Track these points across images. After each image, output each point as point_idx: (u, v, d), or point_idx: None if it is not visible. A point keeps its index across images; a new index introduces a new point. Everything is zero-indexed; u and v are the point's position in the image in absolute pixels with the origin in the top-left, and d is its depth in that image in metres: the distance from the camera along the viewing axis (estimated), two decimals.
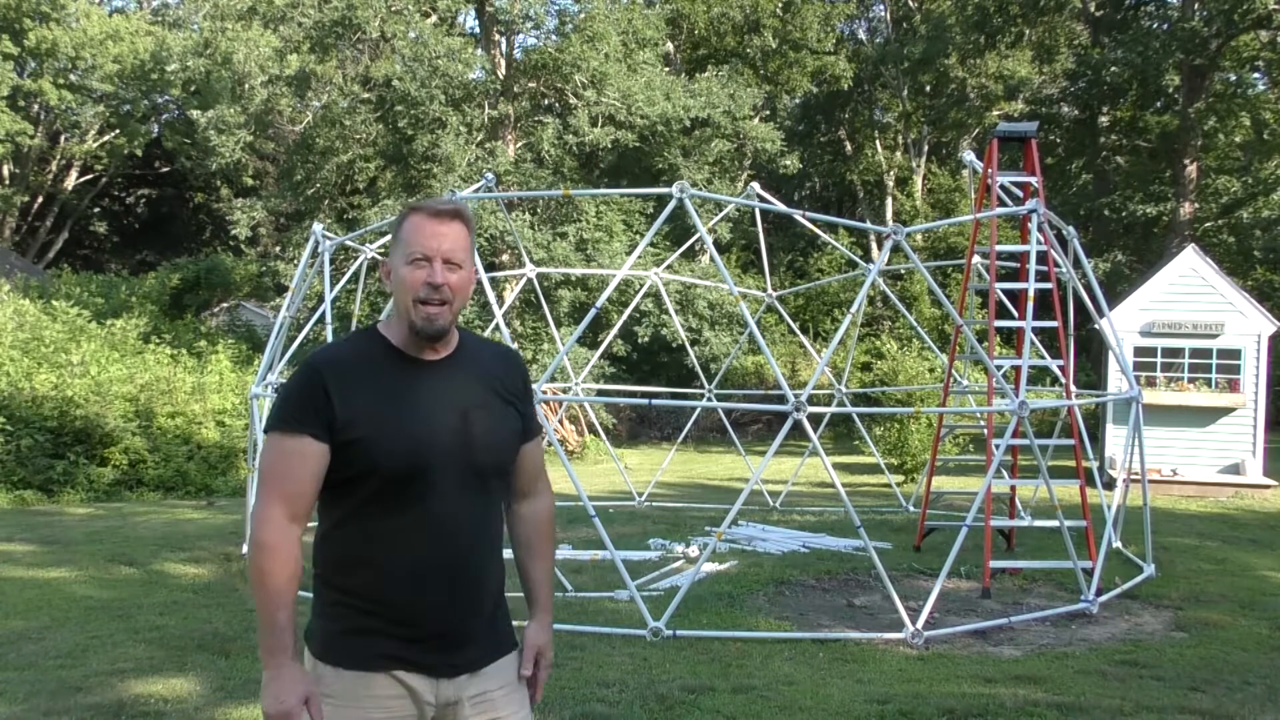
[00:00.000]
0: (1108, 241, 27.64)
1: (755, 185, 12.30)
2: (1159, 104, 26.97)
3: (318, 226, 9.50)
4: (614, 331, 13.73)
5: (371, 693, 2.17)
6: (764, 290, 13.94)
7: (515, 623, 2.40)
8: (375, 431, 2.14)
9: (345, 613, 2.19)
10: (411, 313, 2.20)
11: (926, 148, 33.83)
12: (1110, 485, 12.94)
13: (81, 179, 37.41)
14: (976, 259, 9.97)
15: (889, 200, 32.72)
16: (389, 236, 15.69)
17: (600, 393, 19.20)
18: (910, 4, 33.95)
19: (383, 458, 2.13)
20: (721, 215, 18.93)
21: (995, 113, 30.25)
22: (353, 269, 10.74)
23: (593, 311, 7.48)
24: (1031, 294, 8.45)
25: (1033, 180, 9.19)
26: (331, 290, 9.23)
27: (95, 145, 35.25)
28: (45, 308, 19.12)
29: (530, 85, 24.16)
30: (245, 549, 8.76)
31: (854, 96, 32.54)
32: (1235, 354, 15.26)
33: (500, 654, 2.32)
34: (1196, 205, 26.34)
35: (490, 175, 9.99)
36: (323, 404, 2.14)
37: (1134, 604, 7.59)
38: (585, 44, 22.41)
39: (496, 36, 25.40)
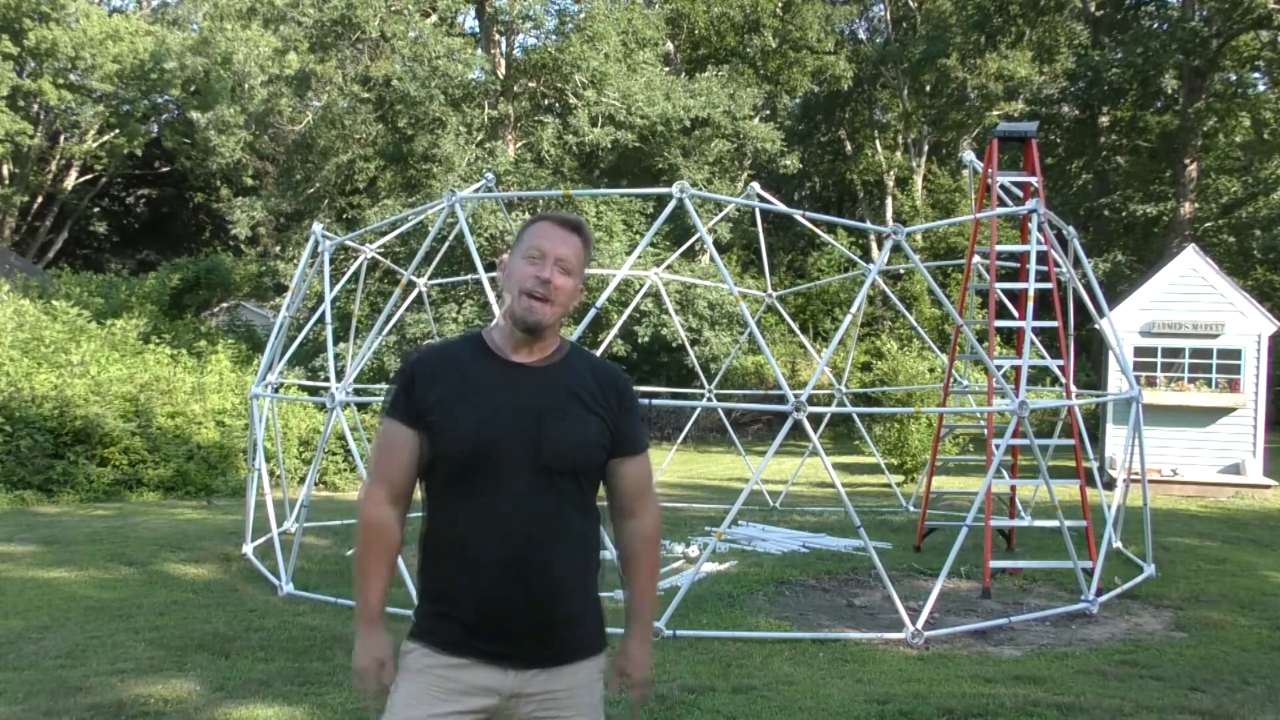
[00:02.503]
0: (1108, 241, 27.62)
1: (755, 185, 12.28)
2: (1159, 104, 26.95)
3: (318, 226, 9.49)
4: (614, 331, 13.71)
5: (446, 673, 2.30)
6: (764, 290, 13.93)
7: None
8: (446, 417, 2.31)
9: (430, 596, 2.37)
10: (517, 302, 2.35)
11: (926, 148, 33.82)
12: (1110, 485, 12.94)
13: (81, 179, 37.41)
14: (976, 259, 9.97)
15: (889, 200, 32.72)
16: (388, 236, 15.56)
17: None
18: (910, 4, 33.95)
19: (449, 442, 2.30)
20: (721, 215, 18.93)
21: (995, 113, 30.24)
22: (353, 269, 10.73)
23: (593, 311, 7.48)
24: (1031, 294, 8.45)
25: (1033, 180, 9.19)
26: (331, 290, 9.23)
27: (95, 145, 35.25)
28: (45, 308, 19.11)
29: (530, 85, 24.17)
30: (246, 549, 8.77)
31: (854, 96, 32.55)
32: (1235, 354, 15.26)
33: (577, 657, 2.38)
34: (1196, 205, 26.34)
35: (490, 175, 9.99)
36: (410, 392, 2.36)
37: (1134, 604, 7.59)
38: (585, 44, 22.42)
39: (496, 36, 25.41)
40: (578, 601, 2.37)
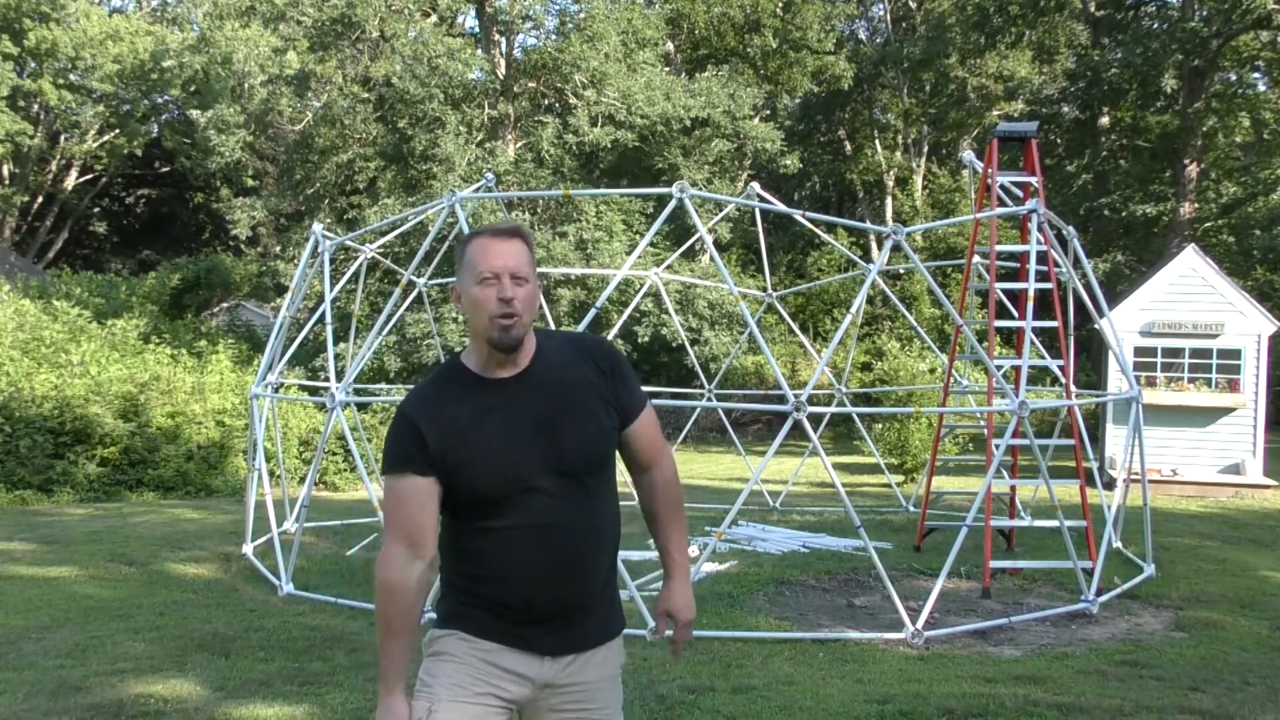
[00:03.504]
0: (1108, 241, 27.61)
1: (755, 185, 12.28)
2: (1159, 104, 26.96)
3: (318, 226, 9.50)
4: (614, 331, 13.65)
5: (482, 655, 2.33)
6: (764, 290, 13.93)
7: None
8: (468, 458, 2.29)
9: (463, 596, 2.38)
10: (488, 328, 2.32)
11: (926, 148, 33.82)
12: (1110, 485, 12.94)
13: (81, 179, 37.41)
14: (976, 259, 9.97)
15: (889, 200, 32.72)
16: (388, 236, 15.48)
17: None
18: (910, 4, 33.95)
19: (478, 482, 2.29)
20: (721, 215, 18.92)
21: (995, 113, 30.24)
22: (353, 269, 10.74)
23: (593, 311, 7.47)
24: (1031, 294, 8.45)
25: (1033, 180, 9.19)
26: (331, 290, 9.23)
27: (95, 145, 35.24)
28: (45, 308, 19.11)
29: (530, 85, 24.16)
30: (246, 549, 8.77)
31: (854, 96, 32.54)
32: (1235, 354, 15.26)
33: (606, 638, 2.44)
34: (1196, 205, 26.33)
35: (490, 175, 9.99)
36: (418, 442, 2.30)
37: (1134, 604, 7.59)
38: (585, 44, 22.40)
39: (496, 36, 25.40)
40: (606, 584, 2.43)
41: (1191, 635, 6.59)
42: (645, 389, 2.59)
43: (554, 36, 24.86)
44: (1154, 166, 27.96)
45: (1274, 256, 26.65)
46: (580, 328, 7.44)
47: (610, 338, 13.46)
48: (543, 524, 2.30)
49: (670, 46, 29.84)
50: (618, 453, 2.52)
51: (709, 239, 8.66)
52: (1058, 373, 9.09)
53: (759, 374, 25.63)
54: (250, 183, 32.12)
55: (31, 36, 30.81)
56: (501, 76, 24.41)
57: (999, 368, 8.96)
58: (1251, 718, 4.84)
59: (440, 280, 15.47)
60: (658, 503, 2.55)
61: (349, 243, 10.60)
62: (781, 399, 7.02)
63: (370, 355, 9.65)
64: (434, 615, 2.46)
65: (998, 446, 7.70)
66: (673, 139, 24.15)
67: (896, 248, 7.95)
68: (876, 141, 33.47)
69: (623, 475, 2.67)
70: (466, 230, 7.67)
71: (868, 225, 11.20)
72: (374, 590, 2.36)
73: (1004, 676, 5.56)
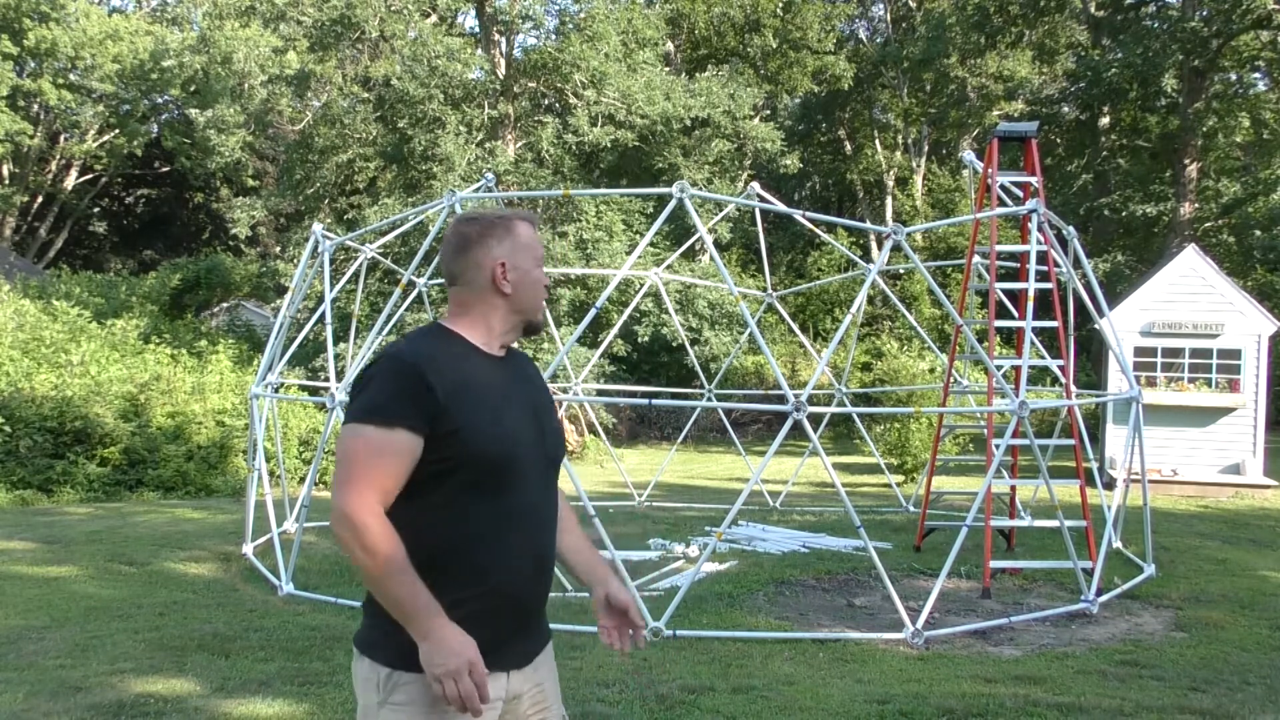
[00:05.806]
0: (1108, 241, 27.62)
1: (755, 185, 12.27)
2: (1159, 104, 26.97)
3: (318, 226, 9.50)
4: (614, 331, 13.72)
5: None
6: (764, 290, 13.93)
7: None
8: (473, 420, 2.16)
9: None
10: (536, 310, 2.42)
11: (926, 148, 33.82)
12: (1110, 485, 12.94)
13: (81, 179, 37.40)
14: (976, 259, 9.97)
15: (889, 200, 32.73)
16: (388, 236, 15.39)
17: (600, 392, 19.19)
18: (910, 4, 33.95)
19: (480, 446, 2.16)
20: (721, 215, 18.93)
21: (995, 113, 30.25)
22: (353, 269, 10.74)
23: (593, 311, 7.48)
24: (1031, 294, 8.45)
25: (1033, 180, 9.19)
26: (331, 290, 9.23)
27: (95, 145, 35.24)
28: (45, 308, 19.12)
29: (530, 85, 24.16)
30: (246, 549, 8.77)
31: (854, 96, 32.56)
32: (1235, 354, 15.26)
33: (549, 636, 2.46)
34: (1196, 205, 26.34)
35: (490, 175, 10.00)
36: (424, 394, 2.11)
37: (1134, 604, 7.59)
38: (585, 44, 22.41)
39: (496, 36, 25.40)
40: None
41: (1191, 635, 6.59)
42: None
43: (554, 36, 24.87)
44: (1154, 166, 27.96)
45: (1274, 256, 26.63)
46: (580, 328, 7.46)
47: (610, 338, 13.51)
48: (528, 512, 2.27)
49: (670, 46, 29.85)
50: None
51: (709, 239, 8.66)
52: (1058, 373, 9.09)
53: (759, 374, 25.63)
54: (250, 183, 32.12)
55: (31, 36, 30.80)
56: (501, 76, 24.41)
57: (999, 368, 8.96)
58: (1251, 718, 4.84)
59: (440, 280, 15.46)
60: (568, 519, 2.52)
61: (349, 243, 10.60)
62: (781, 399, 7.02)
63: (370, 355, 9.62)
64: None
65: (998, 446, 7.70)
66: (673, 139, 24.15)
67: (896, 248, 7.96)
68: (876, 141, 33.48)
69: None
70: None
71: (868, 225, 11.22)
72: (355, 536, 2.06)
73: (1004, 676, 5.56)
